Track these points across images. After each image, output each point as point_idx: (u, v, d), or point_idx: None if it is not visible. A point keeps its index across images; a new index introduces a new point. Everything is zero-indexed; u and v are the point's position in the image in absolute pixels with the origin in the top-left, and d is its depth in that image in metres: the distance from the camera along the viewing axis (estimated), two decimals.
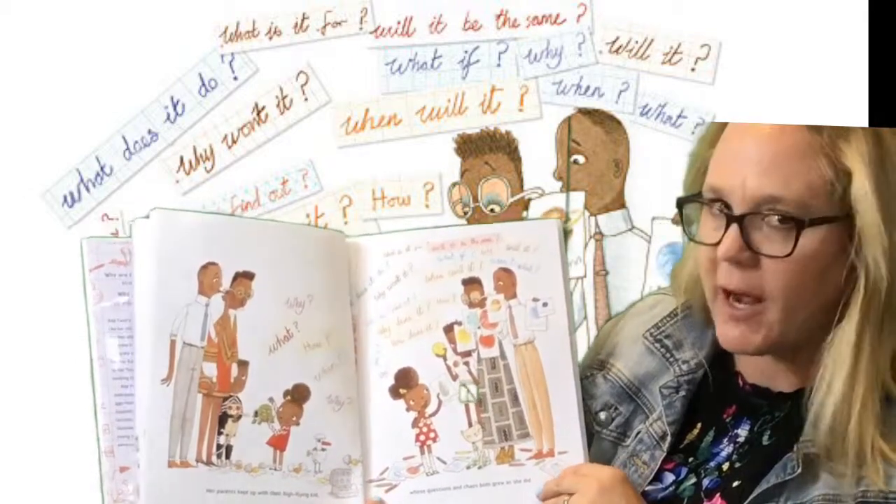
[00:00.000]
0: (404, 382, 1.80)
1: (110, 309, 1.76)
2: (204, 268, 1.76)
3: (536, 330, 1.81)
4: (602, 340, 1.93)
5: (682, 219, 1.75)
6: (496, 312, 1.81)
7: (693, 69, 2.80)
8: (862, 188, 1.66)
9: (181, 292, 1.75)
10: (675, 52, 2.80)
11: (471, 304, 1.82)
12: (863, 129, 1.68)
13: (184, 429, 1.73)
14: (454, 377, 1.80)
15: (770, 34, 2.72)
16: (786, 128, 1.68)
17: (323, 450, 1.78)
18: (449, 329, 1.81)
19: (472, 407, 1.79)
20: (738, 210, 1.69)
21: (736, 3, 2.75)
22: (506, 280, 1.82)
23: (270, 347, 1.77)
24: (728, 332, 1.74)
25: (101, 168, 2.80)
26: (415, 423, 1.79)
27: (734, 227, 1.69)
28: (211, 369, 1.75)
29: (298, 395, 1.78)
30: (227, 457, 1.74)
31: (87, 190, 2.80)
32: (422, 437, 1.79)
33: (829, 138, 1.67)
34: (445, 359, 1.81)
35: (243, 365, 1.76)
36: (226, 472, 1.74)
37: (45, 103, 2.77)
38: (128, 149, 2.81)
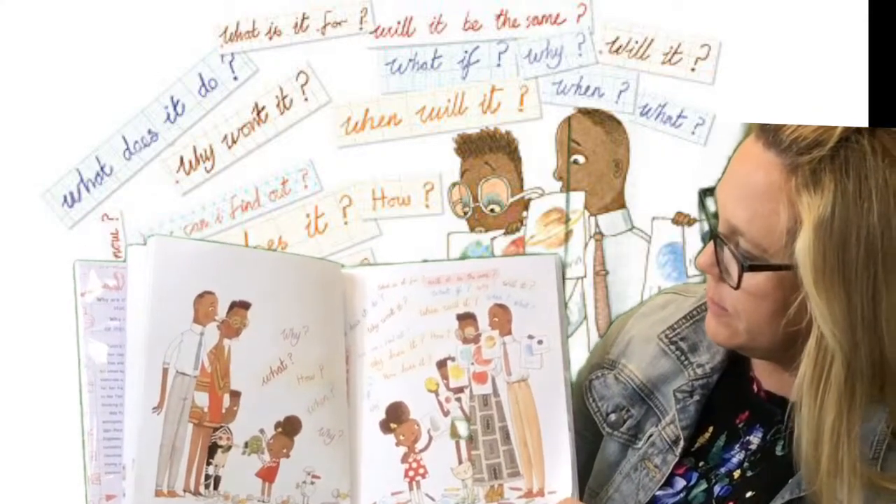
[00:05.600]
0: (395, 417, 1.79)
1: (101, 334, 1.75)
2: (200, 296, 1.74)
3: (530, 368, 1.79)
4: (612, 338, 1.92)
5: (701, 210, 1.75)
6: (490, 349, 1.79)
7: (693, 69, 2.80)
8: (802, 247, 1.62)
9: (176, 320, 1.72)
10: (675, 52, 2.80)
11: (465, 340, 1.80)
12: (837, 176, 1.62)
13: (172, 458, 1.71)
14: (445, 413, 1.78)
15: (770, 34, 2.72)
16: (769, 162, 1.65)
17: (312, 483, 1.76)
18: (442, 364, 1.79)
19: (463, 444, 1.78)
20: (720, 227, 1.70)
21: (736, 3, 2.75)
22: (501, 316, 1.80)
23: (264, 378, 1.75)
24: (708, 325, 1.76)
25: (101, 168, 2.80)
26: (404, 459, 1.78)
27: (712, 243, 1.70)
28: (203, 399, 1.73)
29: (290, 427, 1.76)
30: (215, 487, 1.72)
31: (87, 190, 2.80)
32: (411, 473, 1.78)
33: (797, 184, 1.63)
34: (437, 394, 1.79)
35: (235, 395, 1.74)
36: (213, 502, 1.72)
37: (45, 103, 2.77)
38: (128, 149, 2.81)
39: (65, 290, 2.77)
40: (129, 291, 1.74)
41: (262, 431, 1.75)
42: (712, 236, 1.71)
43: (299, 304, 1.78)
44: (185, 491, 1.71)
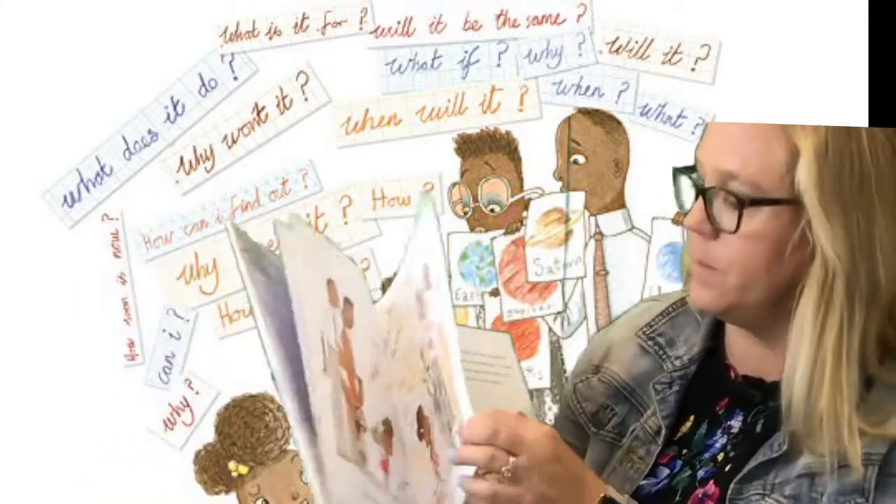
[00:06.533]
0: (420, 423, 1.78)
1: (268, 294, 1.72)
2: (329, 282, 1.74)
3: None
4: (594, 347, 1.95)
5: (675, 188, 1.79)
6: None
7: (693, 69, 2.80)
8: (805, 174, 1.68)
9: (320, 297, 1.72)
10: (675, 52, 2.80)
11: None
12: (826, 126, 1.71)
13: (341, 424, 1.68)
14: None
15: (770, 34, 2.73)
16: None
17: (404, 489, 1.74)
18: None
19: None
20: (706, 183, 1.73)
21: (736, 3, 2.75)
22: None
23: (371, 374, 1.75)
24: (694, 293, 1.78)
25: (101, 168, 2.80)
26: (431, 457, 1.76)
27: (700, 200, 1.73)
28: (344, 375, 1.71)
29: (391, 429, 1.75)
30: (364, 463, 1.70)
31: (87, 190, 2.80)
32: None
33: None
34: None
35: (360, 381, 1.73)
36: (368, 479, 1.70)
37: (45, 103, 2.77)
38: (128, 149, 2.81)
39: (65, 290, 2.78)
40: (286, 262, 1.70)
41: (377, 424, 1.73)
42: (699, 193, 1.73)
43: (375, 320, 1.80)
44: (350, 457, 1.68)
